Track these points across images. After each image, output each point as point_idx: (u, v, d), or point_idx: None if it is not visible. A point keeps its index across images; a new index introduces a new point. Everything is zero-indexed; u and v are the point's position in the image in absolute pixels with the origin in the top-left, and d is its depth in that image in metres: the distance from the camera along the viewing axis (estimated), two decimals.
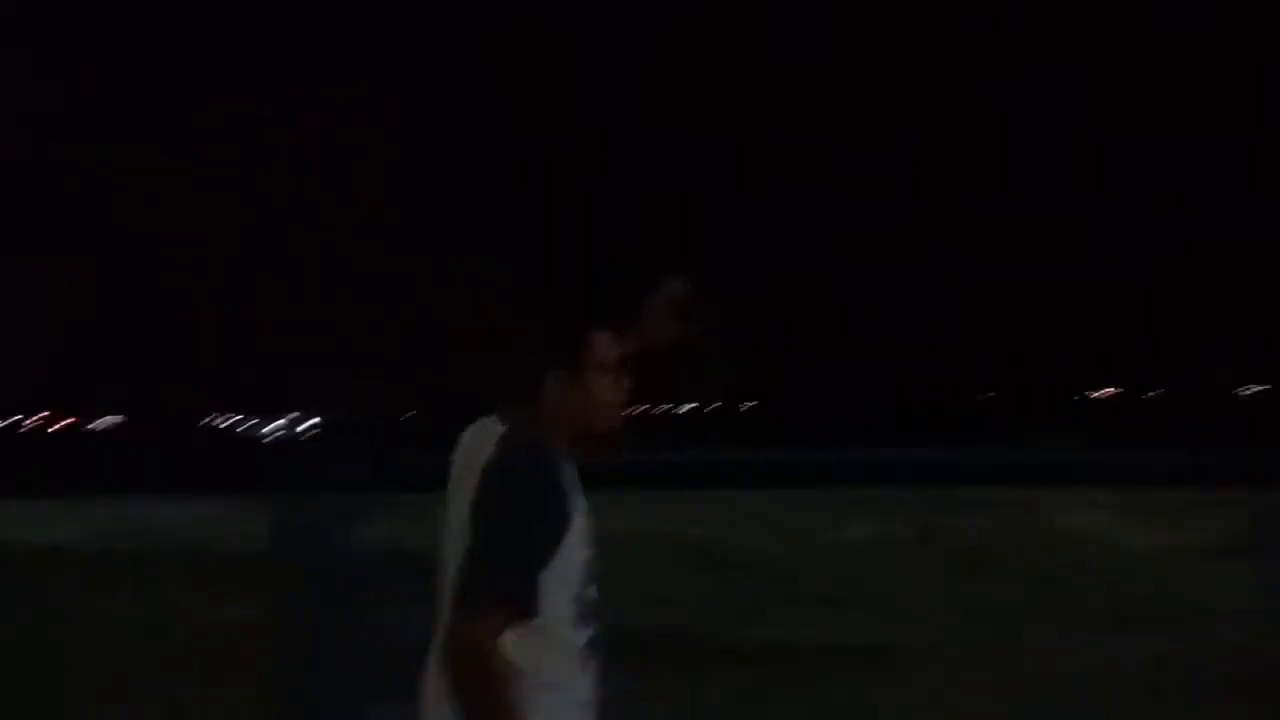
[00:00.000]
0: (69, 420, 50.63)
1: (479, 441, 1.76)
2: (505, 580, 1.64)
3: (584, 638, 1.74)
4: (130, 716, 4.34)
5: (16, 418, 49.18)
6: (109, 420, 51.69)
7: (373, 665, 3.45)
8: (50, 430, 49.37)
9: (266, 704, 3.42)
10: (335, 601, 3.58)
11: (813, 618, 5.96)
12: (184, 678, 4.78)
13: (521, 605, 1.64)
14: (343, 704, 3.55)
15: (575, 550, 1.71)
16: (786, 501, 8.62)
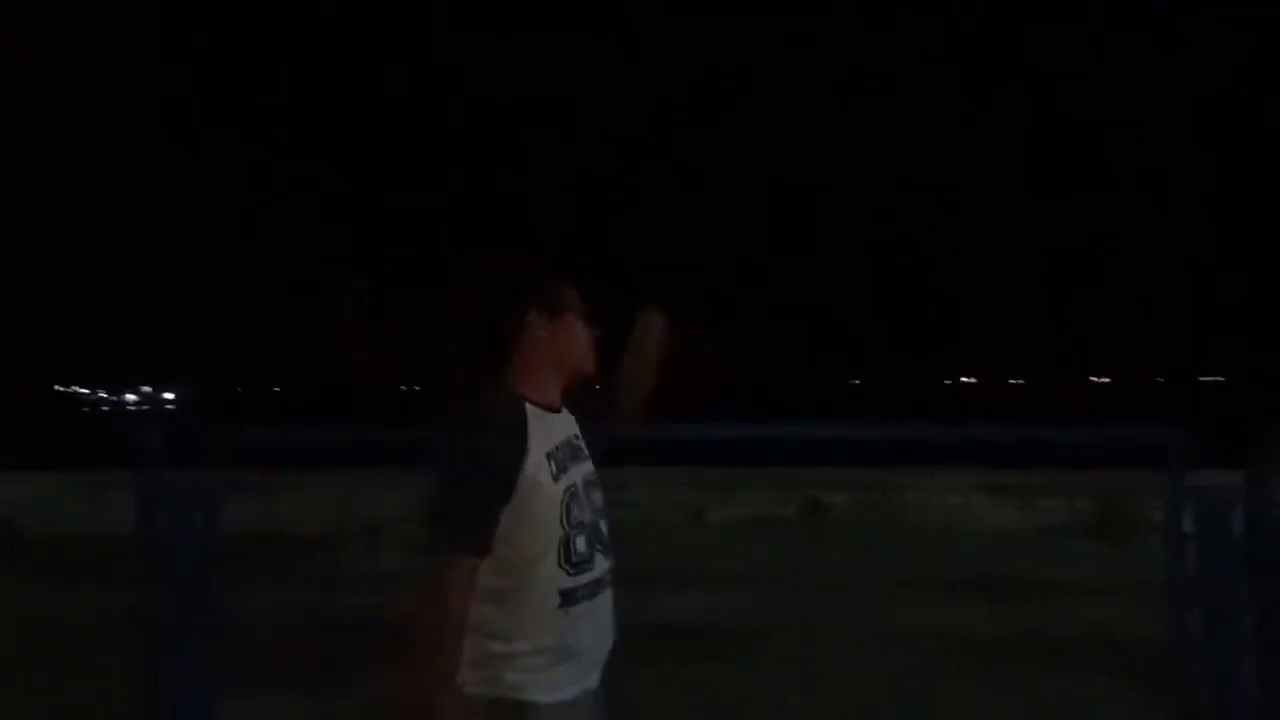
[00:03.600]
0: None
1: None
2: (453, 521, 1.74)
3: (565, 584, 1.80)
4: None
5: None
6: None
7: (231, 651, 3.33)
8: None
9: (131, 693, 3.23)
10: (198, 584, 3.38)
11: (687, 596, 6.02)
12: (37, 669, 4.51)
13: (471, 543, 1.74)
14: (204, 692, 3.40)
15: (544, 494, 1.80)
16: (671, 480, 8.67)
